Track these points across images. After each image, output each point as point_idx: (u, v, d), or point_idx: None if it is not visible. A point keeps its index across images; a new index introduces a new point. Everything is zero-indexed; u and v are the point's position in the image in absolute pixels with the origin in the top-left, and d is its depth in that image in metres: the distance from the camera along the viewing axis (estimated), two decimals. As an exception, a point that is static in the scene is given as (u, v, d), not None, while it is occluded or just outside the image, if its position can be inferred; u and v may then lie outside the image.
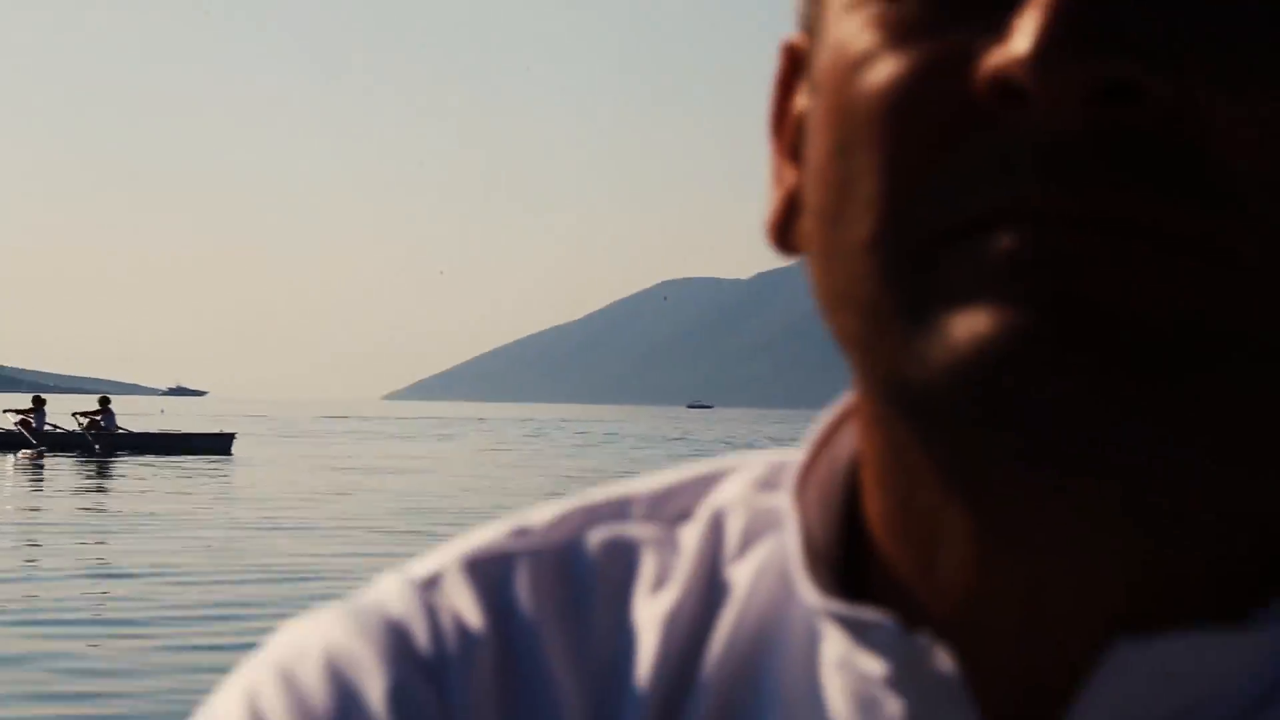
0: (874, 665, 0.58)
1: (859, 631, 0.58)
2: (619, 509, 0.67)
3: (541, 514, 0.68)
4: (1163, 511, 0.52)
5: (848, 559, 0.61)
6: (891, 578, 0.59)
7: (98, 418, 36.47)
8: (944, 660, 0.56)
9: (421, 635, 0.64)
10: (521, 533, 0.67)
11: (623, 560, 0.65)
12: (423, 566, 0.67)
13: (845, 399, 0.63)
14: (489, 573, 0.65)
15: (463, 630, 0.64)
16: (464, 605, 0.64)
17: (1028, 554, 0.54)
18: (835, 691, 0.60)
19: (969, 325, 0.49)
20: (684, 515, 0.67)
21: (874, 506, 0.59)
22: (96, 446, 35.10)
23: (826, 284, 0.55)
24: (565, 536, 0.66)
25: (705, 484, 0.68)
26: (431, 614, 0.64)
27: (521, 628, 0.64)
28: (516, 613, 0.64)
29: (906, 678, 0.57)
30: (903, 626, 0.57)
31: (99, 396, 38.83)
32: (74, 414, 37.15)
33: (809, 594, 0.59)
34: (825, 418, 0.63)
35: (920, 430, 0.53)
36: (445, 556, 0.67)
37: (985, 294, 0.49)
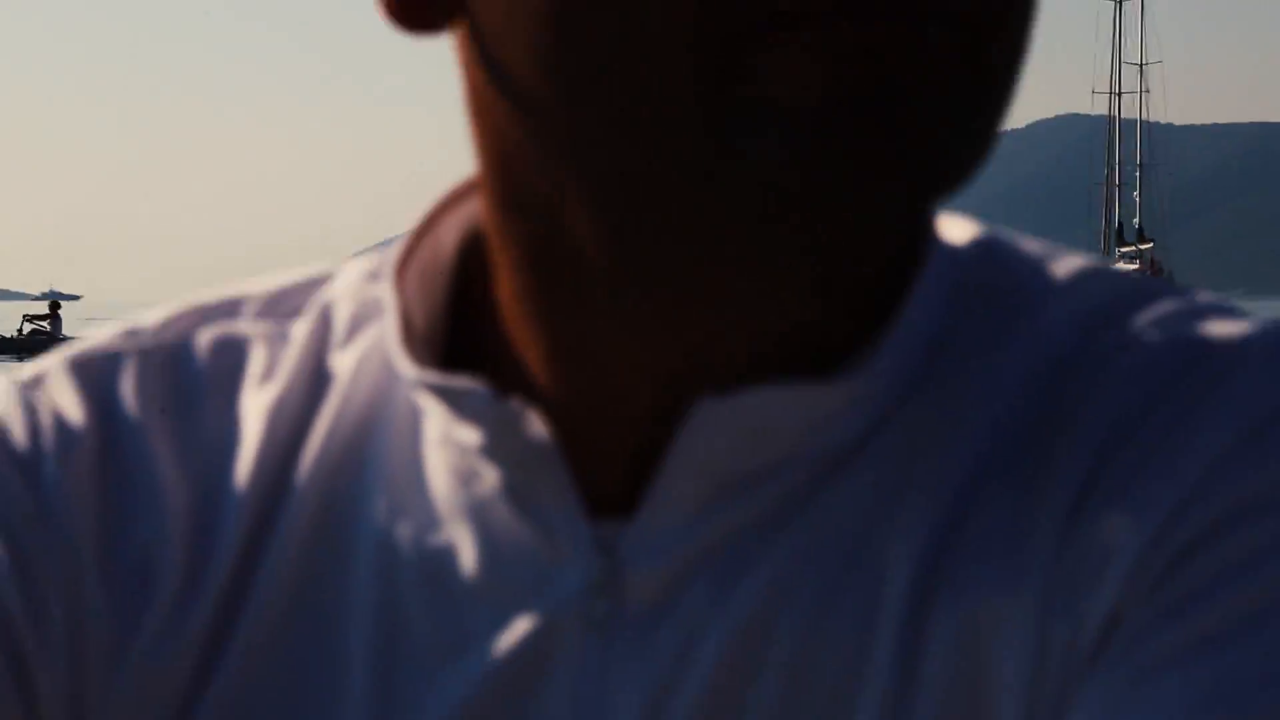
0: (471, 435, 0.60)
1: (455, 402, 0.60)
2: (231, 308, 0.68)
3: (154, 315, 0.68)
4: (844, 270, 0.58)
5: (459, 342, 0.63)
6: (507, 354, 0.61)
7: (44, 323, 37.97)
8: (536, 425, 0.59)
9: (18, 432, 0.64)
10: (132, 333, 0.67)
11: (232, 356, 0.66)
12: (32, 369, 0.67)
13: (451, 187, 0.65)
14: (94, 371, 0.65)
15: (62, 426, 0.64)
16: (66, 402, 0.65)
17: (683, 320, 0.58)
18: (437, 468, 0.62)
19: (788, 125, 0.53)
20: (295, 311, 0.67)
21: (504, 285, 0.61)
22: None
23: (589, 60, 0.55)
24: (175, 336, 0.67)
25: (319, 282, 0.68)
26: (30, 411, 0.65)
27: (125, 424, 0.64)
28: (120, 410, 0.64)
29: (500, 445, 0.60)
30: (496, 393, 0.59)
31: (49, 301, 40.07)
32: (25, 316, 38.39)
33: (405, 368, 0.61)
34: (430, 205, 0.65)
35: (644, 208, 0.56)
36: (55, 358, 0.67)
37: (803, 92, 0.52)
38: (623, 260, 0.58)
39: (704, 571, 0.59)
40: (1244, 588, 0.54)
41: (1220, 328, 0.59)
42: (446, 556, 0.61)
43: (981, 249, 0.64)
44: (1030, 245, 0.65)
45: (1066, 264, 0.63)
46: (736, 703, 0.58)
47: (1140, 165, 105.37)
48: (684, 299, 0.58)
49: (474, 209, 0.65)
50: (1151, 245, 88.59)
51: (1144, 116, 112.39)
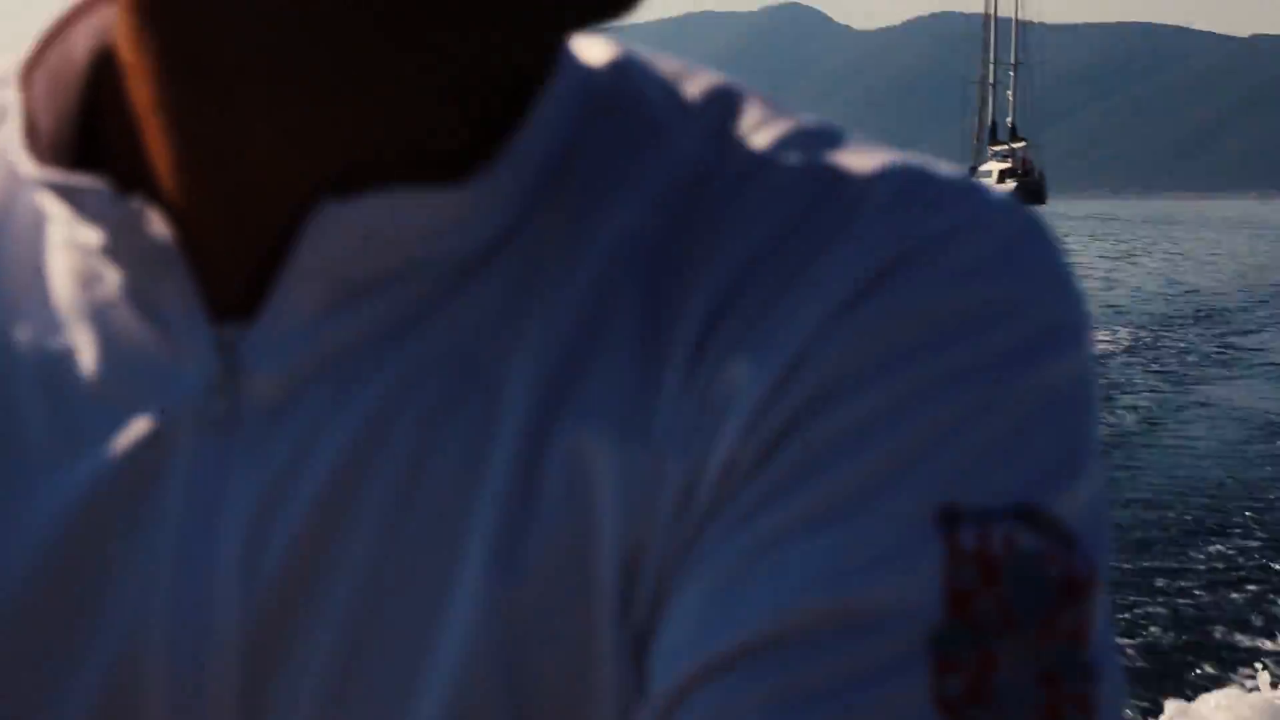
0: (92, 236, 0.60)
1: (77, 201, 0.60)
2: None
3: None
4: (473, 75, 0.59)
5: (90, 151, 0.63)
6: (138, 161, 0.61)
7: None
8: (158, 226, 0.59)
9: None
10: None
11: None
12: None
13: None
14: None
15: None
16: None
17: (319, 121, 0.58)
18: (59, 270, 0.62)
19: None
20: None
21: (139, 92, 0.60)
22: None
23: None
24: None
25: None
26: None
27: None
28: None
29: (122, 245, 0.59)
30: (119, 194, 0.59)
31: None
32: None
33: (27, 167, 0.61)
34: (59, 12, 0.65)
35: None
36: None
37: None
38: (268, 58, 0.57)
39: (324, 376, 0.59)
40: (856, 460, 0.54)
41: (850, 159, 0.59)
42: (65, 358, 0.61)
43: (614, 67, 0.64)
44: (666, 64, 0.65)
45: (699, 82, 0.64)
46: (349, 503, 0.59)
47: (1015, 64, 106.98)
48: (323, 98, 0.58)
49: (107, 17, 0.65)
50: (1025, 144, 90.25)
51: (1020, 16, 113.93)
